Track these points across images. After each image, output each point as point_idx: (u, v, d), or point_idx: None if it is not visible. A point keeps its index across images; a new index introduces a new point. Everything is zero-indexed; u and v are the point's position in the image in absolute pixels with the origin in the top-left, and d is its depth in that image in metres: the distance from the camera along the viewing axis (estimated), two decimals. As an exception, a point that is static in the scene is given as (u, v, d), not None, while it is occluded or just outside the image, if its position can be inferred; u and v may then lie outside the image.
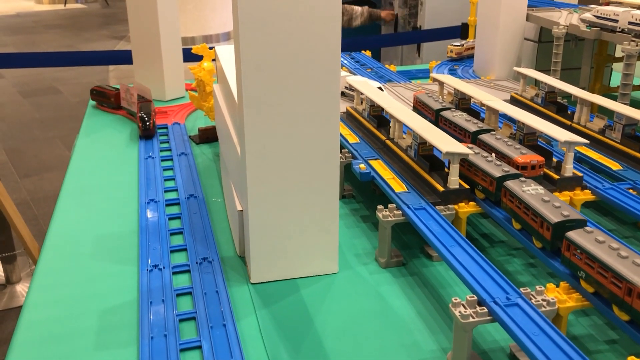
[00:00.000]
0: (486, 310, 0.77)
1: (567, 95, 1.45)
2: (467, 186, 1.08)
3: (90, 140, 1.76)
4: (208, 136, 1.70)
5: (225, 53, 1.43)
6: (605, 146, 1.29)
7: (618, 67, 1.63)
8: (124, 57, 2.45)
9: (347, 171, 1.48)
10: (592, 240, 0.80)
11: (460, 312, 0.77)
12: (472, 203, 1.07)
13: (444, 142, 1.09)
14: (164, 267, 1.06)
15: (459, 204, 1.07)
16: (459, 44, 2.23)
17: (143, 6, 1.98)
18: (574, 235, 0.82)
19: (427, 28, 3.04)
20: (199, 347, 0.87)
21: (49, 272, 1.08)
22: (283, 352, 0.85)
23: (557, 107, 1.47)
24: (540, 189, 0.95)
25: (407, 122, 1.21)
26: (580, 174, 1.13)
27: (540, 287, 0.81)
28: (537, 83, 1.60)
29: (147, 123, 1.66)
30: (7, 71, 6.04)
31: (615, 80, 1.70)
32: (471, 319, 0.77)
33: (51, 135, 4.57)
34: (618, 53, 1.80)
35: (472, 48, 2.21)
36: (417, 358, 0.84)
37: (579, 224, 0.86)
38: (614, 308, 0.76)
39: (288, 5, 0.90)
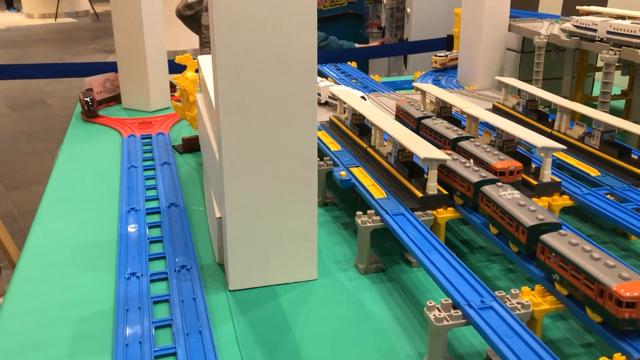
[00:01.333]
0: (460, 313, 0.77)
1: (549, 104, 1.47)
2: (445, 192, 1.08)
3: (73, 151, 1.76)
4: (192, 146, 1.70)
5: (208, 62, 1.43)
6: (584, 153, 1.30)
7: (599, 77, 1.65)
8: (110, 69, 2.45)
9: (328, 179, 1.49)
10: (565, 242, 0.81)
11: (434, 315, 0.77)
12: (450, 209, 1.07)
13: (422, 149, 1.09)
14: (141, 275, 1.05)
15: (438, 209, 1.07)
16: (443, 54, 2.25)
17: (128, 17, 1.99)
18: (548, 238, 0.83)
19: (413, 40, 3.07)
20: (174, 354, 0.86)
21: (26, 281, 1.07)
22: (260, 359, 0.84)
23: (538, 115, 1.48)
24: (516, 194, 0.96)
25: (387, 130, 1.22)
26: (558, 180, 1.14)
27: (515, 291, 0.81)
28: (519, 92, 1.62)
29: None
30: (-4, 86, 6.04)
31: (597, 89, 1.72)
32: (445, 322, 0.77)
33: (39, 147, 4.56)
34: (599, 63, 1.82)
35: (456, 59, 2.23)
36: (394, 364, 0.84)
37: (553, 227, 0.86)
38: (587, 310, 0.76)
39: (264, 11, 0.90)
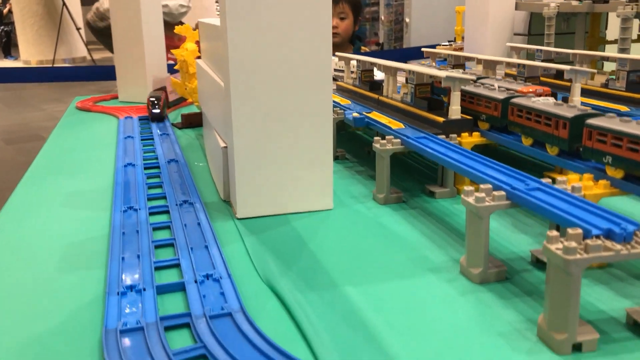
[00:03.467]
0: (504, 194, 0.68)
1: (567, 59, 1.40)
2: (469, 117, 1.00)
3: (68, 130, 1.68)
4: (191, 122, 1.63)
5: (210, 20, 1.37)
6: (611, 97, 1.23)
7: (609, 50, 1.60)
8: (107, 73, 2.40)
9: (339, 135, 1.41)
10: (615, 121, 0.72)
11: (475, 197, 0.68)
12: (476, 134, 0.99)
13: (443, 72, 1.02)
14: (139, 209, 0.96)
15: (462, 134, 0.98)
16: (447, 43, 2.21)
17: (127, 10, 1.93)
18: (595, 121, 0.74)
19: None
20: (177, 266, 0.76)
21: (18, 211, 0.98)
22: (274, 268, 0.74)
23: (556, 72, 1.42)
24: (550, 99, 0.88)
25: (403, 67, 1.15)
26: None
27: (562, 177, 0.72)
28: (531, 56, 1.56)
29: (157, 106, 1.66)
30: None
31: (607, 66, 1.66)
32: (487, 203, 0.67)
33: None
34: (609, 35, 1.77)
35: (461, 49, 2.19)
36: (425, 268, 0.74)
37: (595, 117, 0.78)
38: (649, 181, 0.67)
39: None
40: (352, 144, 1.38)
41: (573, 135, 0.78)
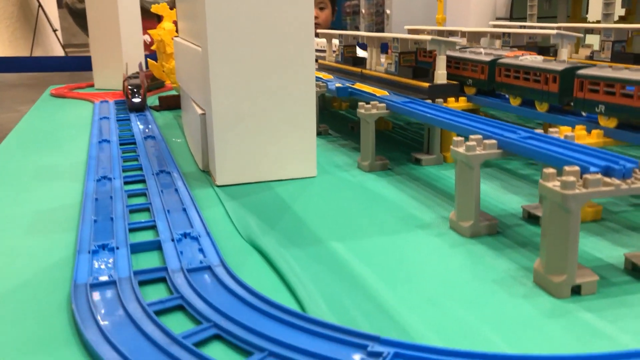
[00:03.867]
0: (495, 142, 0.65)
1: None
2: (455, 82, 0.98)
3: (43, 112, 1.63)
4: (169, 104, 1.58)
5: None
6: (594, 69, 1.22)
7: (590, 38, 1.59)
8: (82, 64, 2.35)
9: (322, 114, 1.38)
10: (608, 70, 0.70)
11: (465, 146, 0.65)
12: (462, 98, 0.97)
13: (427, 35, 0.99)
14: (114, 178, 0.91)
15: (448, 99, 0.96)
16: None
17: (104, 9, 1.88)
18: (586, 71, 0.72)
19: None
20: (153, 227, 0.72)
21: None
22: (255, 228, 0.71)
23: (541, 41, 1.40)
24: (537, 57, 0.86)
25: (386, 35, 1.12)
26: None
27: (555, 128, 0.69)
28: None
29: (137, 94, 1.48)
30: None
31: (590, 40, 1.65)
32: (478, 152, 0.64)
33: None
34: (591, 17, 1.77)
35: (443, 35, 2.17)
36: (413, 225, 0.71)
37: (572, 69, 0.76)
38: (644, 129, 0.65)
39: None
40: (335, 121, 1.35)
41: (563, 89, 0.76)
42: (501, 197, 0.80)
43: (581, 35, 1.01)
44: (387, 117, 0.94)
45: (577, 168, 0.52)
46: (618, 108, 0.66)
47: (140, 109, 1.47)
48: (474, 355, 0.42)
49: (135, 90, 1.48)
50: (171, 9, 1.56)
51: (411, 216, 0.74)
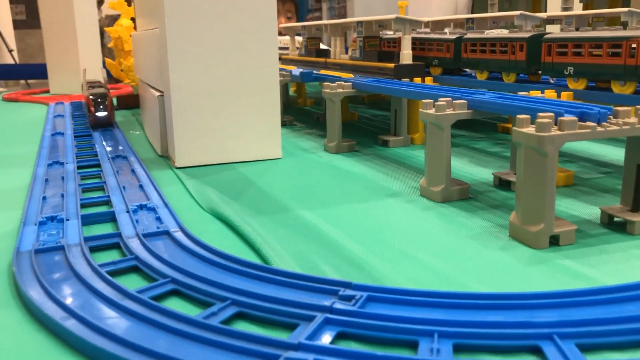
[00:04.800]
0: (465, 102, 0.63)
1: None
2: (421, 63, 0.96)
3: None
4: (128, 103, 1.53)
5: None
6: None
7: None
8: (37, 71, 2.27)
9: (287, 109, 1.35)
10: (574, 32, 0.69)
11: (435, 107, 0.62)
12: (428, 79, 0.95)
13: (391, 15, 0.98)
14: (67, 163, 0.86)
15: (414, 79, 0.94)
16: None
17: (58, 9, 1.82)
18: (553, 35, 0.71)
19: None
20: (107, 203, 0.67)
21: None
22: (217, 200, 0.67)
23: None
24: (502, 30, 0.85)
25: (350, 20, 1.11)
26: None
27: (524, 93, 0.68)
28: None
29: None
30: None
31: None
32: (448, 112, 0.62)
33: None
34: (550, 9, 1.80)
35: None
36: (383, 194, 0.68)
37: (540, 37, 0.75)
38: (612, 85, 0.64)
39: None
40: (300, 115, 1.33)
41: (531, 56, 0.75)
42: (471, 169, 0.78)
43: (544, 15, 1.01)
44: (352, 109, 0.91)
45: (551, 114, 0.50)
46: (587, 67, 0.65)
47: (106, 124, 1.16)
48: (448, 295, 0.39)
49: (99, 101, 1.16)
50: (129, 5, 1.52)
51: (381, 187, 0.71)
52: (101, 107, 1.16)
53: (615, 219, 0.55)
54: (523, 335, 0.34)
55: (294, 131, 1.13)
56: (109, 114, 1.16)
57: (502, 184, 0.69)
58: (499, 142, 0.94)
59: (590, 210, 0.59)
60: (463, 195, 0.65)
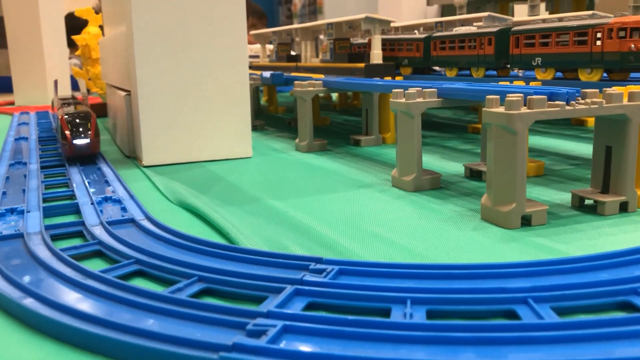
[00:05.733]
0: (435, 90, 0.63)
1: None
2: (391, 63, 0.97)
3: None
4: (96, 113, 1.51)
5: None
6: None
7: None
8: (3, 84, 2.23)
9: (257, 116, 1.34)
10: (540, 24, 0.70)
11: (406, 95, 0.62)
12: (398, 78, 0.95)
13: (361, 14, 0.98)
14: (30, 163, 0.84)
15: (385, 78, 0.94)
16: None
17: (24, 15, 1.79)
18: (521, 27, 0.72)
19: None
20: (71, 197, 0.65)
21: None
22: (186, 193, 0.65)
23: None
24: (471, 27, 0.86)
25: (319, 23, 1.11)
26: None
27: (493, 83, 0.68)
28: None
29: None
30: None
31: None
32: (419, 100, 0.62)
33: None
34: (517, 15, 1.83)
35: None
36: (355, 186, 0.67)
37: (507, 31, 0.76)
38: (579, 73, 0.64)
39: None
40: (272, 120, 1.32)
41: (499, 50, 0.76)
42: (442, 163, 0.78)
43: (511, 18, 1.02)
44: (323, 115, 0.91)
45: (520, 95, 0.51)
46: (554, 57, 0.65)
47: (87, 154, 0.83)
48: (421, 267, 0.38)
49: (78, 122, 0.84)
50: (97, 13, 1.50)
51: (352, 180, 0.70)
52: (81, 132, 0.83)
53: (586, 201, 0.55)
54: (497, 300, 0.34)
55: (265, 134, 1.12)
56: (92, 141, 0.82)
57: (473, 174, 0.69)
58: (470, 141, 0.95)
59: (561, 196, 0.59)
60: (434, 185, 0.64)
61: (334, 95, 1.71)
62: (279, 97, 1.81)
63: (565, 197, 0.59)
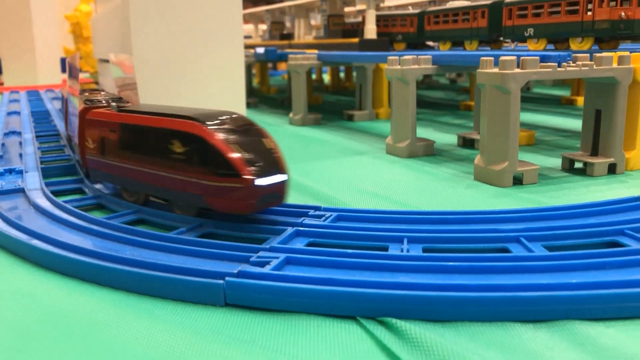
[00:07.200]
0: (430, 57, 0.64)
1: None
2: (384, 38, 0.98)
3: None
4: (89, 91, 1.50)
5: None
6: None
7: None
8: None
9: (250, 91, 1.35)
10: (534, -4, 0.71)
11: (400, 61, 0.63)
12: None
13: (356, -6, 0.99)
14: (25, 133, 0.84)
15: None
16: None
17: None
18: (511, 0, 0.73)
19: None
20: (69, 159, 0.65)
21: None
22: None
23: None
24: (457, 2, 0.87)
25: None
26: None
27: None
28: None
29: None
30: None
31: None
32: (414, 66, 0.63)
33: None
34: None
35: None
36: (350, 153, 0.68)
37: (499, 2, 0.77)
38: (570, 43, 0.66)
39: None
40: (265, 100, 1.33)
41: (492, 22, 0.77)
42: (436, 135, 0.79)
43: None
44: (316, 93, 0.92)
45: (513, 57, 0.52)
46: (546, 27, 0.67)
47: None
48: (417, 213, 0.40)
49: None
50: (89, -9, 1.50)
51: (347, 148, 0.71)
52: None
53: (576, 164, 0.57)
54: (491, 239, 0.35)
55: (258, 111, 1.12)
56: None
57: (466, 143, 0.70)
58: (461, 117, 0.96)
59: (551, 161, 0.61)
60: (428, 151, 0.65)
61: (326, 78, 1.72)
62: (272, 80, 1.81)
63: (555, 162, 0.60)
